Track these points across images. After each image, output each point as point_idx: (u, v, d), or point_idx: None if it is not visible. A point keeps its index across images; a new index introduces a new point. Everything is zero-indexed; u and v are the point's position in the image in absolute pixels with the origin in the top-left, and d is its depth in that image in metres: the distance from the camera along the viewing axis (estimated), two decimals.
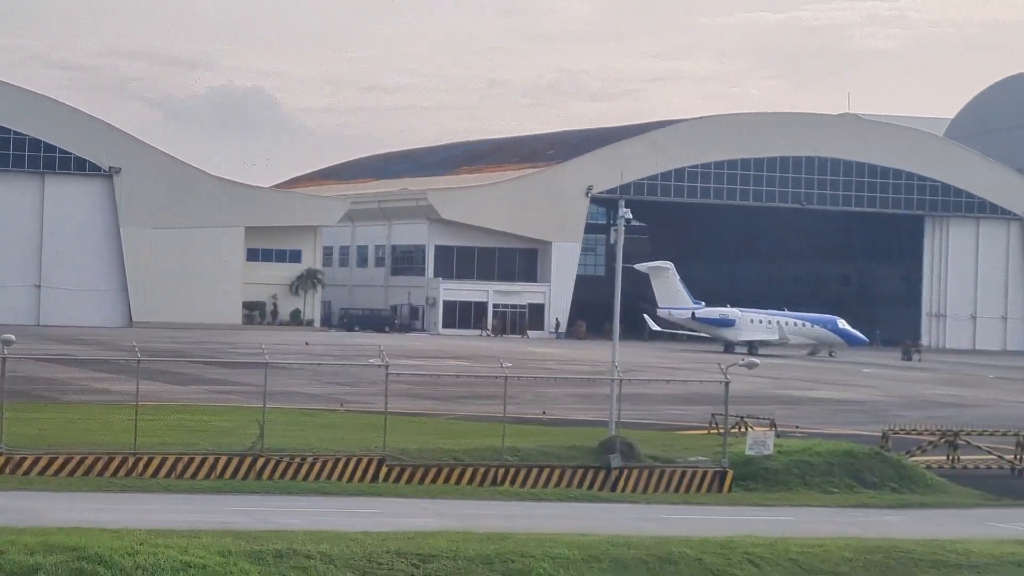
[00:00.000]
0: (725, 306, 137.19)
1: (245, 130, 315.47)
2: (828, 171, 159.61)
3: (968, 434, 52.32)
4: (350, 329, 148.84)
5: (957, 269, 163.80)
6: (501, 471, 44.94)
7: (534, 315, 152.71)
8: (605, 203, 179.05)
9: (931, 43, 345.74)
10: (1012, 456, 52.32)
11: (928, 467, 51.03)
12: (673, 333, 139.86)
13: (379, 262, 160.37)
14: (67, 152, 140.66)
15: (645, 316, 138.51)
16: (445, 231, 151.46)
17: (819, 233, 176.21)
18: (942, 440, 51.83)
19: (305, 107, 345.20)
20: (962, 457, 52.22)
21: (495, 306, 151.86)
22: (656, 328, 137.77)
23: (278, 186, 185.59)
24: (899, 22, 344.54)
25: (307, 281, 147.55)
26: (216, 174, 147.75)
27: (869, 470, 48.11)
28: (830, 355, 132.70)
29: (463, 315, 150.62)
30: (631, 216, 51.50)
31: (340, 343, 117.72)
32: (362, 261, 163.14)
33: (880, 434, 52.49)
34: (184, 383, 79.21)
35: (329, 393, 76.03)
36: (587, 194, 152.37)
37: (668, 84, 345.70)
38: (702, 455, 48.24)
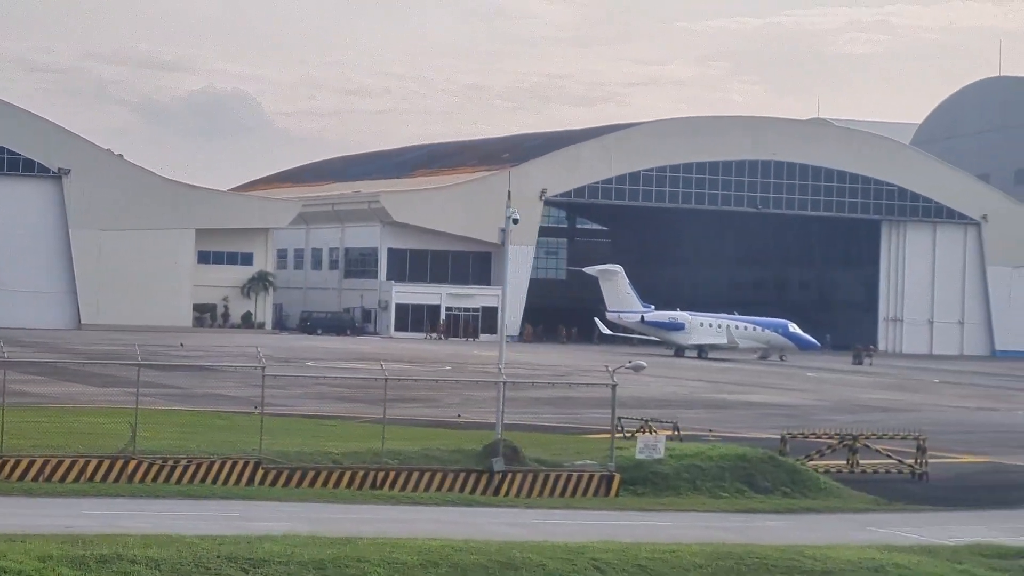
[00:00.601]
0: (675, 309, 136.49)
1: (225, 134, 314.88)
2: (784, 175, 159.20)
3: (867, 438, 51.72)
4: (312, 332, 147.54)
5: (914, 274, 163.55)
6: (380, 474, 44.22)
7: (487, 318, 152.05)
8: (563, 206, 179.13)
9: (913, 48, 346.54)
10: (913, 460, 51.71)
11: (827, 471, 50.39)
12: (627, 337, 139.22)
13: (333, 265, 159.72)
14: (16, 153, 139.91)
15: (596, 320, 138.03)
16: (398, 234, 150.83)
17: (781, 237, 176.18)
18: (841, 444, 51.23)
19: (285, 111, 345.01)
20: (862, 461, 51.61)
21: (448, 309, 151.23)
22: (607, 332, 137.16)
23: (236, 189, 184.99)
24: (881, 27, 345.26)
25: (258, 283, 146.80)
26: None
27: (762, 474, 47.48)
28: (781, 359, 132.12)
29: (416, 318, 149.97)
30: (519, 217, 50.57)
31: (265, 344, 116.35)
32: (316, 264, 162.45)
33: (779, 437, 51.89)
34: (108, 385, 78.32)
35: (253, 396, 74.99)
36: (541, 197, 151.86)
37: (650, 89, 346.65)
38: (591, 459, 47.56)
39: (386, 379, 46.23)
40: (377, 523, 37.07)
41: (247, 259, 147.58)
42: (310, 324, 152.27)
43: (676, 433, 55.05)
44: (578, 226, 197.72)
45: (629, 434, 55.21)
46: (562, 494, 45.50)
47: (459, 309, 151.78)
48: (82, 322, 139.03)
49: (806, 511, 44.92)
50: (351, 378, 70.85)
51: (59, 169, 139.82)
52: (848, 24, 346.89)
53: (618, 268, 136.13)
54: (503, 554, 31.89)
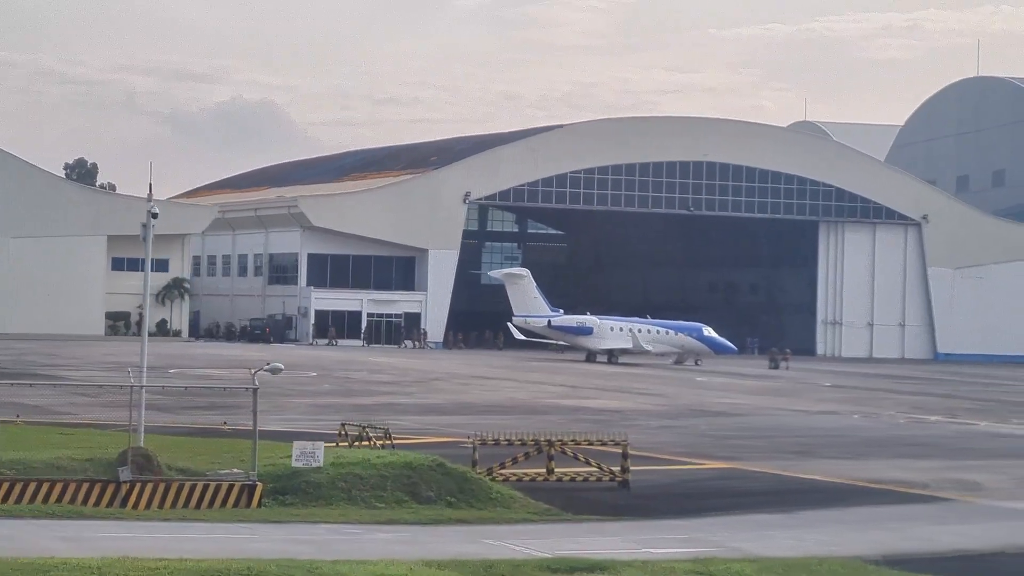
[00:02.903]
0: (585, 313, 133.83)
1: (256, 144, 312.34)
2: (716, 176, 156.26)
3: (564, 443, 49.00)
4: (265, 341, 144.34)
5: (853, 276, 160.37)
6: None
7: (411, 324, 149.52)
8: (489, 209, 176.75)
9: (946, 54, 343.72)
10: (619, 467, 49.06)
11: (519, 480, 47.86)
12: (540, 342, 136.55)
13: (258, 271, 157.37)
14: None
15: (509, 324, 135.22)
16: (319, 239, 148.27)
17: (731, 240, 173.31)
18: (536, 451, 48.63)
19: (317, 121, 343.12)
20: (566, 469, 49.06)
21: (370, 315, 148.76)
22: (520, 337, 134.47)
23: (178, 196, 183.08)
24: (913, 33, 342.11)
25: (174, 290, 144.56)
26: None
27: (427, 483, 44.82)
28: (696, 363, 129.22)
29: (336, 325, 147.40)
30: (158, 211, 47.92)
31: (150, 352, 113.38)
32: (242, 270, 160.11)
33: (470, 443, 49.28)
34: None
35: (50, 405, 72.92)
36: (464, 201, 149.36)
37: (681, 96, 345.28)
38: (239, 468, 45.02)
39: None
40: None
41: (163, 266, 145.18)
42: (258, 332, 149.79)
43: (388, 441, 52.53)
44: (531, 230, 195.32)
45: (347, 443, 52.97)
46: (198, 505, 42.96)
47: (381, 315, 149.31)
48: None
49: (454, 523, 42.18)
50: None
51: None
52: (880, 30, 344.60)
53: (524, 272, 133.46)
54: None
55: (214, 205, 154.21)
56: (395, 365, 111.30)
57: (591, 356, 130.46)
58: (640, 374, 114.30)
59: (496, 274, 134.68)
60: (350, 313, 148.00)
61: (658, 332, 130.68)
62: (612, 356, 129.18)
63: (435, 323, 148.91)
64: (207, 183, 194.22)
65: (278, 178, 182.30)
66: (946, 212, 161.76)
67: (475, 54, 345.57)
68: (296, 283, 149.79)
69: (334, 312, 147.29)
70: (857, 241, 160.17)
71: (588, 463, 48.98)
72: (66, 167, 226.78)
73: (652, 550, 38.01)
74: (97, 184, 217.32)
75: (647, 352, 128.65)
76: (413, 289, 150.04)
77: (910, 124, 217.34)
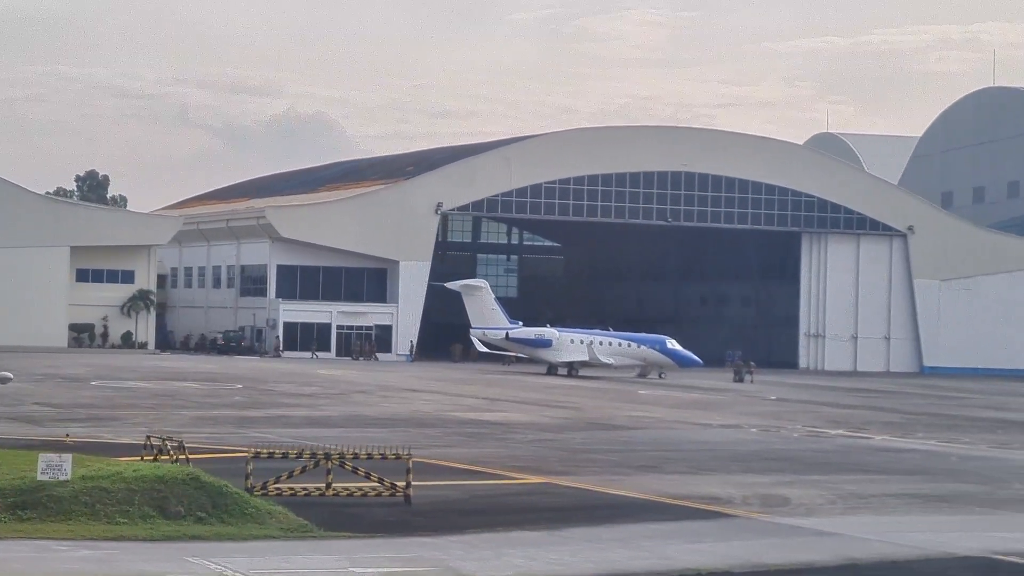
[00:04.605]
0: (545, 326, 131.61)
1: (309, 157, 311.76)
2: (696, 186, 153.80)
3: (343, 456, 46.87)
4: (239, 353, 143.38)
5: (837, 288, 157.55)
6: None
7: (381, 336, 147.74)
8: (481, 219, 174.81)
9: (1004, 66, 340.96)
10: (404, 481, 46.94)
11: (294, 494, 45.83)
12: (502, 355, 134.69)
13: (231, 283, 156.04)
14: None
15: (472, 337, 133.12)
16: (288, 250, 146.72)
17: (719, 252, 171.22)
18: (314, 465, 46.59)
19: (371, 134, 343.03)
20: (340, 484, 46.89)
21: (339, 327, 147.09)
22: (483, 349, 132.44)
23: (168, 207, 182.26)
24: (971, 45, 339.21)
25: (139, 302, 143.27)
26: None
27: (177, 498, 42.82)
28: (660, 376, 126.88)
29: (305, 337, 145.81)
30: None
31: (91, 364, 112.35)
32: (216, 282, 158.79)
33: (248, 455, 47.28)
34: None
35: None
36: (437, 211, 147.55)
37: (737, 109, 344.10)
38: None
39: None
40: None
41: (128, 277, 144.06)
42: (233, 344, 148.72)
43: (184, 455, 50.52)
44: (526, 242, 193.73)
45: (152, 456, 51.14)
46: None
47: (352, 327, 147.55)
48: None
49: (189, 539, 40.02)
50: None
51: None
52: (937, 42, 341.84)
53: (482, 283, 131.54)
54: None
55: (180, 216, 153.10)
56: (334, 377, 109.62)
57: (552, 369, 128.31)
58: (584, 387, 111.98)
59: (453, 286, 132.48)
60: (320, 325, 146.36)
61: (619, 345, 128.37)
62: (572, 369, 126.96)
63: (407, 335, 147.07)
64: (195, 195, 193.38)
65: (261, 189, 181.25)
66: (932, 223, 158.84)
67: (531, 67, 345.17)
68: (265, 295, 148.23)
69: (303, 324, 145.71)
70: (841, 252, 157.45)
71: (369, 477, 46.88)
72: (77, 179, 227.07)
73: (362, 569, 36.04)
74: (108, 197, 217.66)
75: (608, 365, 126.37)
76: (385, 301, 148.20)
77: (928, 135, 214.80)
